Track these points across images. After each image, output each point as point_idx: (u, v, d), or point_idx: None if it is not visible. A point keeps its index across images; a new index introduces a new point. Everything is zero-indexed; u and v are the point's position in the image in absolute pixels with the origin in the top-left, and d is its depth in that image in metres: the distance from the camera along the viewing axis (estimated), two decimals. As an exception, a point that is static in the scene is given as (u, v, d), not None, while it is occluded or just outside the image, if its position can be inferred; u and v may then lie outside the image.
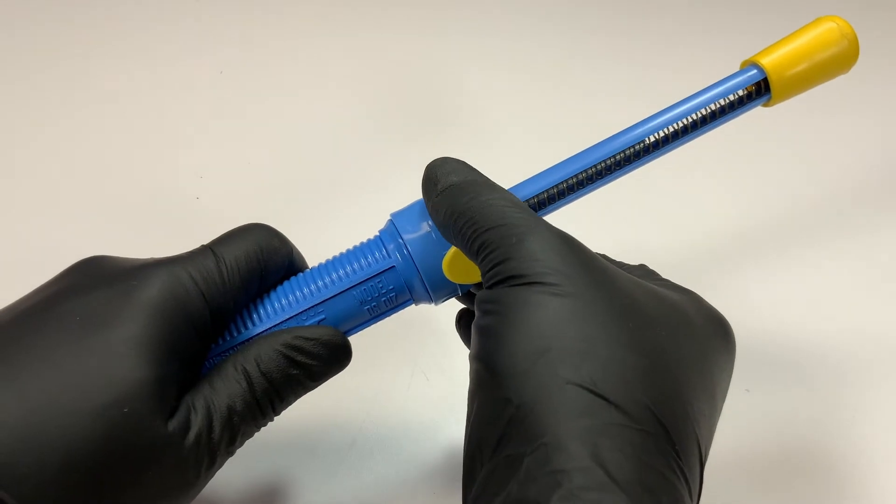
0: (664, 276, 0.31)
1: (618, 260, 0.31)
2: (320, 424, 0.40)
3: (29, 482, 0.22)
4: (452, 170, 0.28)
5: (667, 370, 0.23)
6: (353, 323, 0.30)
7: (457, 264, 0.29)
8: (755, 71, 0.30)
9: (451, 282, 0.30)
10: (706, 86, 0.30)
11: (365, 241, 0.31)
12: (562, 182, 0.30)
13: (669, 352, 0.24)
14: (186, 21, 0.66)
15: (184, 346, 0.26)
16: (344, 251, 0.31)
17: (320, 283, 0.30)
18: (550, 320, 0.23)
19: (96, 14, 0.66)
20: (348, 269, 0.30)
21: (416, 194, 0.33)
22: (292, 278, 0.31)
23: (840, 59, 0.29)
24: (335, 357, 0.29)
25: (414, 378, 0.42)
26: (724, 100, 0.30)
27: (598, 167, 0.30)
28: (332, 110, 0.59)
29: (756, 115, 0.31)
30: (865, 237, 0.50)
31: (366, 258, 0.30)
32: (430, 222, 0.30)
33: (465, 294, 0.32)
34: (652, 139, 0.29)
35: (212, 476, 0.27)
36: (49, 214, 0.51)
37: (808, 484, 0.38)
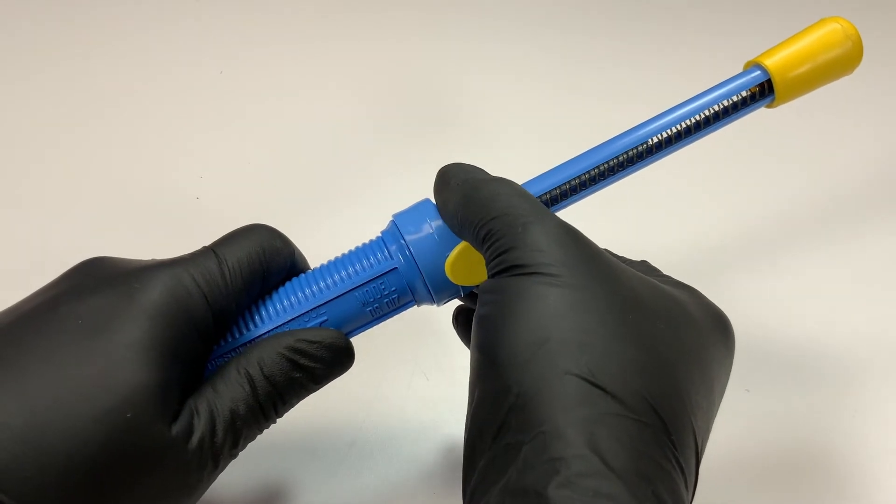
0: (665, 273, 0.31)
1: (620, 255, 0.32)
2: (320, 425, 0.40)
3: (30, 485, 0.22)
4: (464, 170, 0.29)
5: (665, 363, 0.23)
6: (356, 324, 0.30)
7: (460, 265, 0.29)
8: (759, 72, 0.30)
9: (453, 283, 0.30)
10: (709, 87, 0.30)
11: (367, 241, 0.31)
12: (564, 183, 0.30)
13: (668, 345, 0.24)
14: (186, 21, 0.66)
15: (186, 348, 0.26)
16: (345, 252, 0.31)
17: (322, 285, 0.30)
18: (551, 311, 0.23)
19: (96, 14, 0.66)
20: (350, 270, 0.30)
21: (417, 194, 0.33)
22: (294, 280, 0.31)
23: (844, 61, 0.29)
24: (338, 360, 0.29)
25: (414, 378, 0.42)
26: (729, 101, 0.30)
27: (602, 168, 0.30)
28: (332, 110, 0.59)
29: (758, 114, 0.31)
30: (866, 237, 0.50)
31: (368, 259, 0.30)
32: (432, 223, 0.30)
33: (468, 295, 0.32)
34: (656, 140, 0.30)
35: (214, 479, 0.27)
36: (49, 214, 0.51)
37: (807, 484, 0.39)
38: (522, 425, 0.22)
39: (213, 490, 0.35)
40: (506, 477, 0.21)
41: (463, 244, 0.29)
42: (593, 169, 0.30)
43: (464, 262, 0.29)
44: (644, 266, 0.31)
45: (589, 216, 0.35)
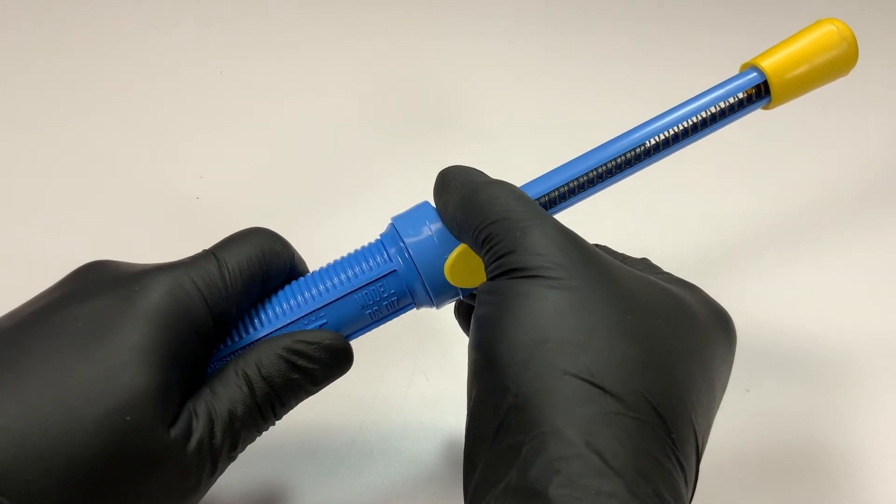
0: (666, 271, 0.31)
1: (621, 253, 0.32)
2: (320, 425, 0.40)
3: (31, 489, 0.22)
4: (464, 172, 0.29)
5: (665, 361, 0.23)
6: (355, 327, 0.30)
7: (459, 268, 0.29)
8: (755, 74, 0.30)
9: (453, 286, 0.30)
10: (706, 88, 0.30)
11: (366, 244, 0.31)
12: (563, 185, 0.30)
13: (668, 342, 0.24)
14: (186, 21, 0.66)
15: (186, 351, 0.26)
16: (345, 254, 0.31)
17: (322, 288, 0.30)
18: (549, 312, 0.23)
19: (96, 14, 0.66)
20: (350, 273, 0.30)
21: (417, 195, 0.33)
22: (294, 282, 0.31)
23: (839, 62, 0.29)
24: (336, 361, 0.29)
25: (414, 378, 0.42)
26: (725, 102, 0.30)
27: (600, 170, 0.30)
28: (332, 111, 0.59)
29: (757, 114, 0.31)
30: (867, 237, 0.50)
31: (367, 262, 0.30)
32: (432, 226, 0.30)
33: (468, 297, 0.32)
34: (653, 142, 0.30)
35: (214, 481, 0.27)
36: (49, 215, 0.51)
37: (807, 484, 0.39)
38: (522, 425, 0.22)
39: (214, 490, 0.36)
40: (507, 477, 0.21)
41: (462, 247, 0.29)
42: (591, 171, 0.30)
43: (463, 265, 0.29)
44: (644, 264, 0.31)
45: (590, 213, 0.35)
